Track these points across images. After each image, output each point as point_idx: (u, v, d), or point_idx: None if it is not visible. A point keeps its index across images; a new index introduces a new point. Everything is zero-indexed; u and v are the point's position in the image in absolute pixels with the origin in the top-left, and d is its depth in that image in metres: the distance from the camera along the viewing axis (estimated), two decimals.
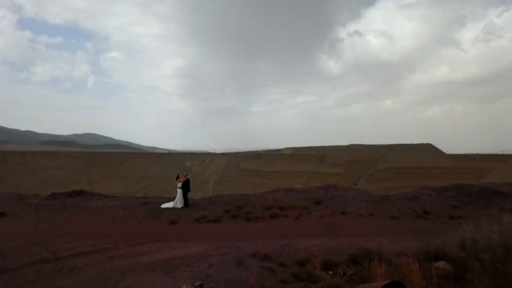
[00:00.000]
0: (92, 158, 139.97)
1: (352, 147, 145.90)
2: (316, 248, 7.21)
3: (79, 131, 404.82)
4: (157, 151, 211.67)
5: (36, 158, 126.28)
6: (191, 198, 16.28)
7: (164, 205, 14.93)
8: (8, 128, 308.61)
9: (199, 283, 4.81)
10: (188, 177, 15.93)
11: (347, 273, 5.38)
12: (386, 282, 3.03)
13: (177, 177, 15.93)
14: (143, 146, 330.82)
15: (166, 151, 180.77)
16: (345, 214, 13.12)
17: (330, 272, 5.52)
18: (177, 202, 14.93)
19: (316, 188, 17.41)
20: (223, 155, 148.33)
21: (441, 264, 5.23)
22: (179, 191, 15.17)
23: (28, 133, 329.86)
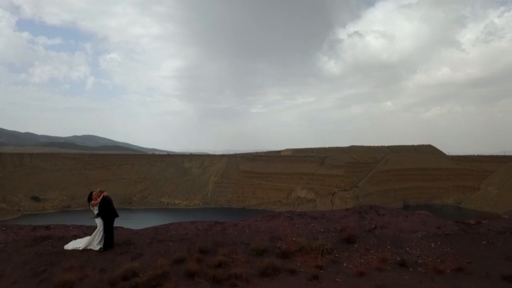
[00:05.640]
0: (90, 160, 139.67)
1: (352, 149, 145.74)
2: None
3: (79, 132, 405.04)
4: (157, 152, 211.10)
5: (34, 160, 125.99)
6: (120, 224, 9.92)
7: (70, 246, 8.91)
8: (7, 130, 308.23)
9: None
10: (105, 194, 9.24)
11: None
12: None
13: (90, 197, 9.38)
14: (142, 148, 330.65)
15: (166, 153, 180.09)
16: (407, 268, 7.22)
17: None
18: (94, 240, 8.84)
19: (343, 211, 10.61)
20: (222, 156, 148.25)
21: None
22: (97, 221, 9.05)
23: (28, 135, 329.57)
